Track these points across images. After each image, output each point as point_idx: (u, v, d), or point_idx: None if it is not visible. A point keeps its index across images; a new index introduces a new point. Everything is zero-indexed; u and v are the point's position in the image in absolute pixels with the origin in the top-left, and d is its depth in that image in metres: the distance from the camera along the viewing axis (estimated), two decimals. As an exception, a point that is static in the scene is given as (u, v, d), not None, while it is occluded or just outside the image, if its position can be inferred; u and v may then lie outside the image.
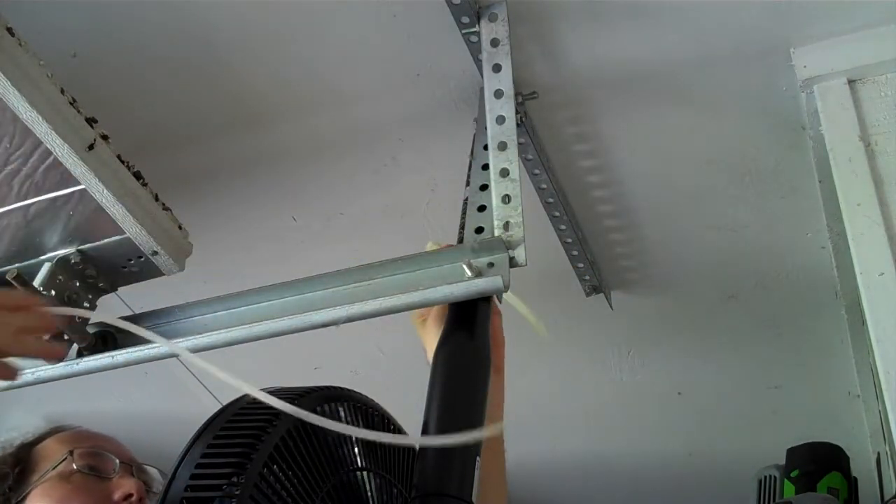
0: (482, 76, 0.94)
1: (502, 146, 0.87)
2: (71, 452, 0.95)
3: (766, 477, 1.15)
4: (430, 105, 1.10)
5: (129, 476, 0.96)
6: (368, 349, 1.53)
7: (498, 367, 0.90)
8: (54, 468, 0.94)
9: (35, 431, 1.03)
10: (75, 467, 0.94)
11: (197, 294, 0.89)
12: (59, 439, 1.00)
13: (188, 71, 1.07)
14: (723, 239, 1.27)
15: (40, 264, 0.91)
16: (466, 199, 0.89)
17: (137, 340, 0.88)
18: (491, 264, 0.77)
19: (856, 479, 1.11)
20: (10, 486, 0.94)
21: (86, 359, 0.86)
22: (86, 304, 0.92)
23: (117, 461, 0.97)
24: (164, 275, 0.93)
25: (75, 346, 0.88)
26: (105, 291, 0.94)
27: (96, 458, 0.96)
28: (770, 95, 1.05)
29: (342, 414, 0.74)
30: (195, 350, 0.83)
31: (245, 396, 0.70)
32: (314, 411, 0.68)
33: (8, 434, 1.02)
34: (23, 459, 0.97)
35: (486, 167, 0.89)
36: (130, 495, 0.93)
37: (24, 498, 0.94)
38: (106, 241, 0.90)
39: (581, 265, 1.29)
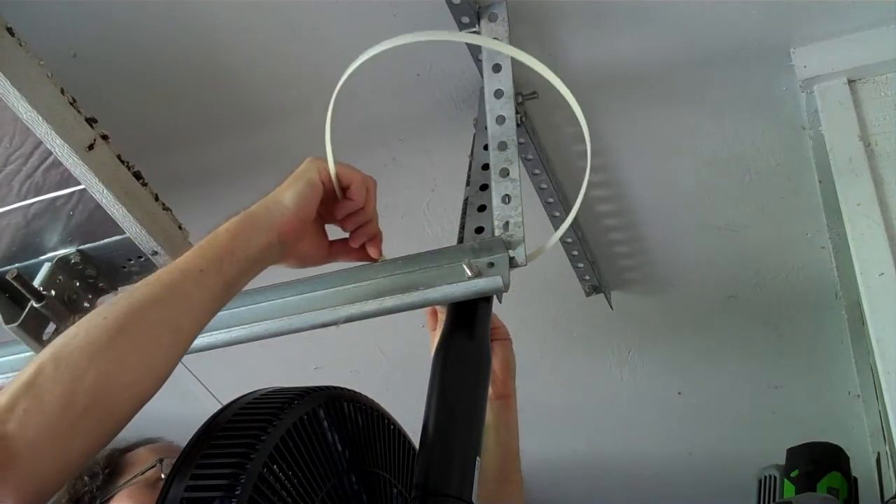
0: (482, 76, 0.94)
1: (502, 146, 0.87)
2: (161, 461, 0.96)
3: (766, 477, 1.15)
4: (430, 105, 1.10)
5: None
6: (368, 349, 1.53)
7: (506, 394, 0.92)
8: (143, 473, 0.96)
9: (127, 440, 1.04)
10: (163, 476, 0.95)
11: (197, 294, 0.88)
12: (151, 449, 1.02)
13: (188, 71, 1.07)
14: (723, 239, 1.27)
15: (40, 264, 0.92)
16: (466, 199, 0.89)
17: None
18: (491, 264, 0.77)
19: (856, 479, 1.11)
20: (98, 486, 0.96)
21: (86, 359, 0.86)
22: (86, 304, 0.92)
23: None
24: (164, 275, 0.93)
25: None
26: (105, 291, 0.94)
27: None
28: (770, 95, 1.05)
29: (342, 414, 0.73)
30: (195, 350, 0.83)
31: (245, 396, 0.70)
32: (314, 411, 0.68)
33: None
34: (113, 462, 0.99)
35: (486, 167, 0.89)
36: None
37: (110, 499, 0.95)
38: (106, 241, 0.90)
39: (581, 265, 1.29)
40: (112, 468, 0.98)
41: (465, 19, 0.94)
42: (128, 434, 1.07)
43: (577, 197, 0.80)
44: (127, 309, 0.61)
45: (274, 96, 1.10)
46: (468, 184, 0.92)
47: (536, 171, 1.13)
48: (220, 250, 0.67)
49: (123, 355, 0.59)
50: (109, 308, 0.61)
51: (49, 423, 0.54)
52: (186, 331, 0.64)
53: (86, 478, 0.97)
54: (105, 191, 0.84)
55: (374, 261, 0.79)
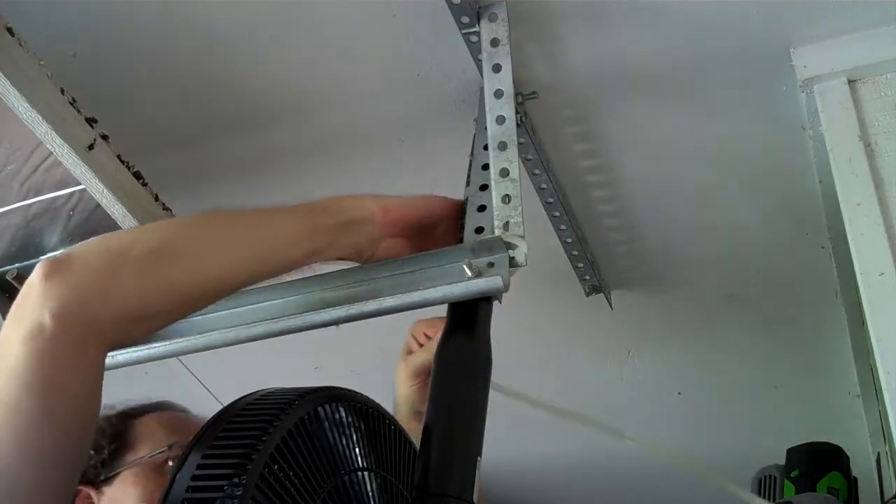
0: (482, 76, 0.93)
1: (502, 146, 0.87)
2: (170, 447, 0.95)
3: (766, 477, 1.15)
4: (430, 105, 1.10)
5: None
6: (368, 349, 1.53)
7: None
8: (151, 457, 0.93)
9: (139, 402, 1.01)
10: (170, 461, 0.94)
11: (197, 294, 0.88)
12: (160, 422, 0.99)
13: (188, 71, 1.07)
14: (723, 239, 1.27)
15: (40, 264, 0.91)
16: (466, 199, 0.89)
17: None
18: (491, 264, 0.76)
19: (856, 479, 1.11)
20: (104, 460, 0.93)
21: (86, 359, 0.86)
22: (86, 304, 0.92)
23: None
24: (164, 275, 0.93)
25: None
26: (105, 291, 0.94)
27: None
28: (770, 95, 1.05)
29: (342, 414, 0.73)
30: (195, 350, 0.83)
31: (246, 396, 0.70)
32: (315, 411, 0.68)
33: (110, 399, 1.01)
34: (120, 434, 0.96)
35: (486, 167, 0.89)
36: None
37: (115, 476, 0.93)
38: (106, 241, 0.90)
39: (581, 265, 1.29)
40: (119, 443, 0.95)
41: (465, 19, 0.94)
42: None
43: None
44: (222, 215, 0.69)
45: (274, 96, 1.10)
46: (468, 184, 0.92)
47: (536, 171, 1.13)
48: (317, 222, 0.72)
49: (189, 236, 0.64)
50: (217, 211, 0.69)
51: (105, 251, 0.61)
52: (248, 266, 0.67)
53: (91, 451, 0.94)
54: (105, 191, 0.84)
55: None
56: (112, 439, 0.95)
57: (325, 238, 0.72)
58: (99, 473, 0.93)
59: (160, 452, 0.94)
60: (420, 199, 0.80)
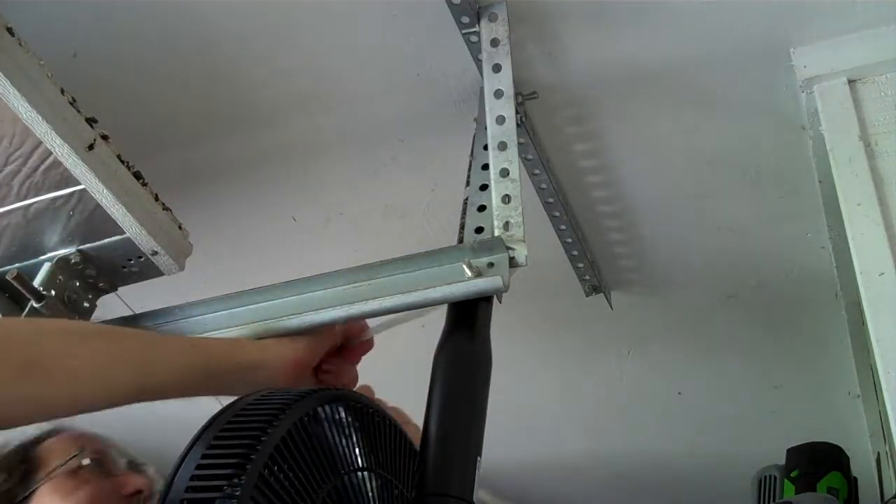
0: (482, 76, 0.94)
1: (502, 146, 0.87)
2: (82, 449, 0.96)
3: (766, 477, 1.15)
4: (430, 105, 1.10)
5: (137, 473, 0.98)
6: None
7: None
8: (63, 464, 0.95)
9: (35, 432, 1.03)
10: (84, 463, 0.95)
11: (197, 294, 0.89)
12: (65, 438, 1.01)
13: (188, 71, 1.07)
14: (723, 239, 1.27)
15: (40, 264, 0.91)
16: (466, 199, 0.89)
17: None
18: (491, 264, 0.77)
19: (856, 479, 1.11)
20: (16, 483, 0.95)
21: (86, 359, 0.86)
22: (85, 304, 0.92)
23: (124, 459, 0.98)
24: (164, 275, 0.93)
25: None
26: (105, 291, 0.94)
27: (104, 455, 0.98)
28: (770, 95, 1.05)
29: (342, 414, 0.73)
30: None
31: (246, 397, 0.70)
32: (315, 411, 0.68)
33: (3, 436, 1.02)
34: (28, 458, 0.98)
35: (486, 167, 0.89)
36: (140, 491, 0.95)
37: (31, 494, 0.94)
38: (106, 241, 0.90)
39: (581, 265, 1.29)
40: (27, 465, 0.97)
41: (465, 19, 0.94)
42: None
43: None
44: (109, 332, 0.67)
45: (274, 96, 1.10)
46: (468, 184, 0.92)
47: (536, 171, 1.13)
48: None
49: (67, 353, 0.61)
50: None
51: None
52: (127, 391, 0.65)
53: (3, 474, 0.96)
54: (105, 191, 0.84)
55: None
56: (20, 463, 0.97)
57: (217, 380, 0.73)
58: (15, 496, 0.94)
59: (72, 458, 0.96)
60: (314, 340, 0.78)
